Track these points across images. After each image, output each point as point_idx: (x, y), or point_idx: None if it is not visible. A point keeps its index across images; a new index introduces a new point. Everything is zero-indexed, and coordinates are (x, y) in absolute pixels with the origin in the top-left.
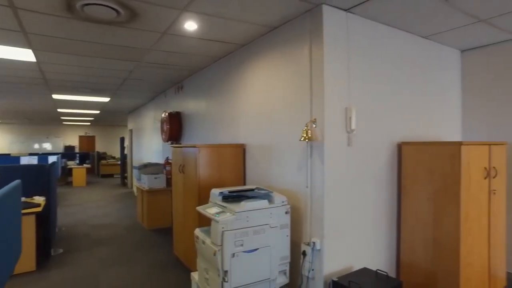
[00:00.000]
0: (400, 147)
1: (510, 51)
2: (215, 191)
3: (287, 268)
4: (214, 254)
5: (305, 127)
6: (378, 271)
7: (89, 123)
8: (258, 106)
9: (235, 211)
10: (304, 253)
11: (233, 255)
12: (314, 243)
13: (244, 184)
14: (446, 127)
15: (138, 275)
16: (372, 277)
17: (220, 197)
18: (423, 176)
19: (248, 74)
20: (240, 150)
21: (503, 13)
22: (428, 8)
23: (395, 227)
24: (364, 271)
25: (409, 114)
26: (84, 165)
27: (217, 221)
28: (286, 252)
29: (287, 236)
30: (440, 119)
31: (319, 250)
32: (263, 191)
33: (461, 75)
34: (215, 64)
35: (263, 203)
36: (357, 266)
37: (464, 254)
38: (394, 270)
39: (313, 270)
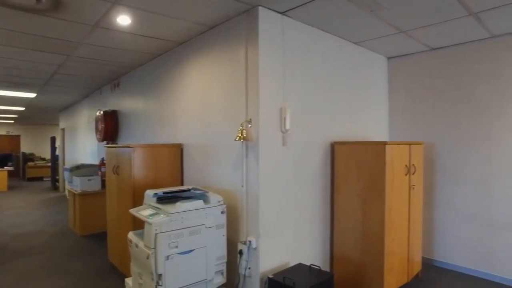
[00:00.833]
0: (333, 147)
1: (426, 61)
2: (149, 192)
3: (224, 268)
4: (147, 258)
5: (240, 127)
6: (311, 265)
7: (12, 121)
8: (196, 105)
9: (169, 212)
10: (240, 252)
11: (168, 257)
12: (250, 241)
13: (182, 184)
14: (376, 127)
15: (67, 286)
16: (306, 272)
17: (155, 199)
18: (353, 173)
19: (187, 73)
20: (178, 150)
21: (418, 27)
22: (356, 17)
23: (329, 222)
24: (299, 266)
25: (342, 115)
26: (6, 167)
27: (150, 223)
28: (223, 252)
29: (223, 235)
30: (370, 120)
31: (255, 248)
32: (198, 191)
33: (388, 80)
34: (153, 61)
35: (199, 203)
36: (293, 262)
37: (388, 244)
38: (328, 263)
39: (249, 268)
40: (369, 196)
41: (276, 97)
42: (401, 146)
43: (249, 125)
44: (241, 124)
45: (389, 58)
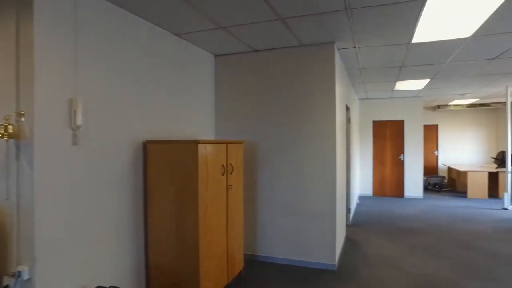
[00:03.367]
0: (146, 146)
1: (250, 61)
2: None
3: None
4: None
5: (3, 121)
6: (111, 287)
7: None
8: None
9: None
10: None
11: None
12: (20, 272)
13: None
14: (202, 126)
15: None
16: None
17: None
18: (167, 175)
19: None
20: None
21: (235, 25)
22: (168, 3)
23: (142, 231)
24: None
25: (162, 111)
26: None
27: None
28: None
29: None
30: (196, 118)
31: (29, 279)
32: None
33: (215, 78)
34: None
35: None
36: (93, 285)
37: (204, 249)
38: (144, 277)
39: None
40: (183, 199)
41: (63, 87)
42: (217, 145)
43: (22, 119)
44: (5, 117)
45: (216, 56)
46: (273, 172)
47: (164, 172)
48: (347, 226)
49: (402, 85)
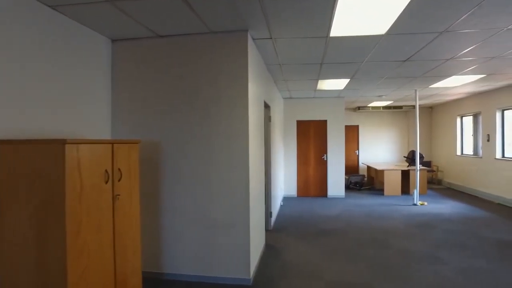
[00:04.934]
0: None
1: (154, 49)
2: None
3: None
4: None
5: None
6: None
7: None
8: None
9: None
10: None
11: None
12: None
13: None
14: (95, 124)
15: None
16: None
17: None
18: (25, 186)
19: None
20: None
21: None
22: None
23: None
24: None
25: (33, 104)
26: None
27: None
28: None
29: None
30: (86, 114)
31: None
32: None
33: (112, 67)
34: None
35: None
36: None
37: (76, 278)
38: None
39: None
40: (46, 216)
41: None
42: (97, 146)
43: None
44: None
45: (113, 41)
46: (179, 177)
47: (20, 181)
48: (268, 231)
49: (324, 85)
